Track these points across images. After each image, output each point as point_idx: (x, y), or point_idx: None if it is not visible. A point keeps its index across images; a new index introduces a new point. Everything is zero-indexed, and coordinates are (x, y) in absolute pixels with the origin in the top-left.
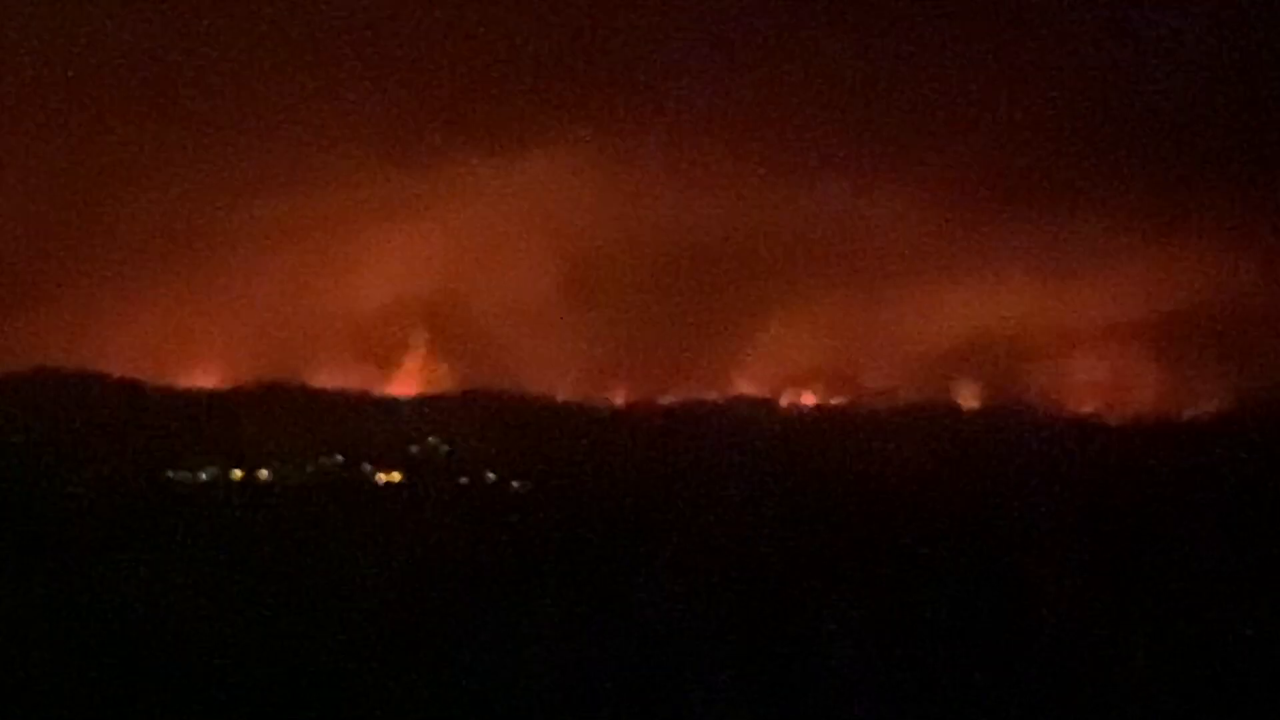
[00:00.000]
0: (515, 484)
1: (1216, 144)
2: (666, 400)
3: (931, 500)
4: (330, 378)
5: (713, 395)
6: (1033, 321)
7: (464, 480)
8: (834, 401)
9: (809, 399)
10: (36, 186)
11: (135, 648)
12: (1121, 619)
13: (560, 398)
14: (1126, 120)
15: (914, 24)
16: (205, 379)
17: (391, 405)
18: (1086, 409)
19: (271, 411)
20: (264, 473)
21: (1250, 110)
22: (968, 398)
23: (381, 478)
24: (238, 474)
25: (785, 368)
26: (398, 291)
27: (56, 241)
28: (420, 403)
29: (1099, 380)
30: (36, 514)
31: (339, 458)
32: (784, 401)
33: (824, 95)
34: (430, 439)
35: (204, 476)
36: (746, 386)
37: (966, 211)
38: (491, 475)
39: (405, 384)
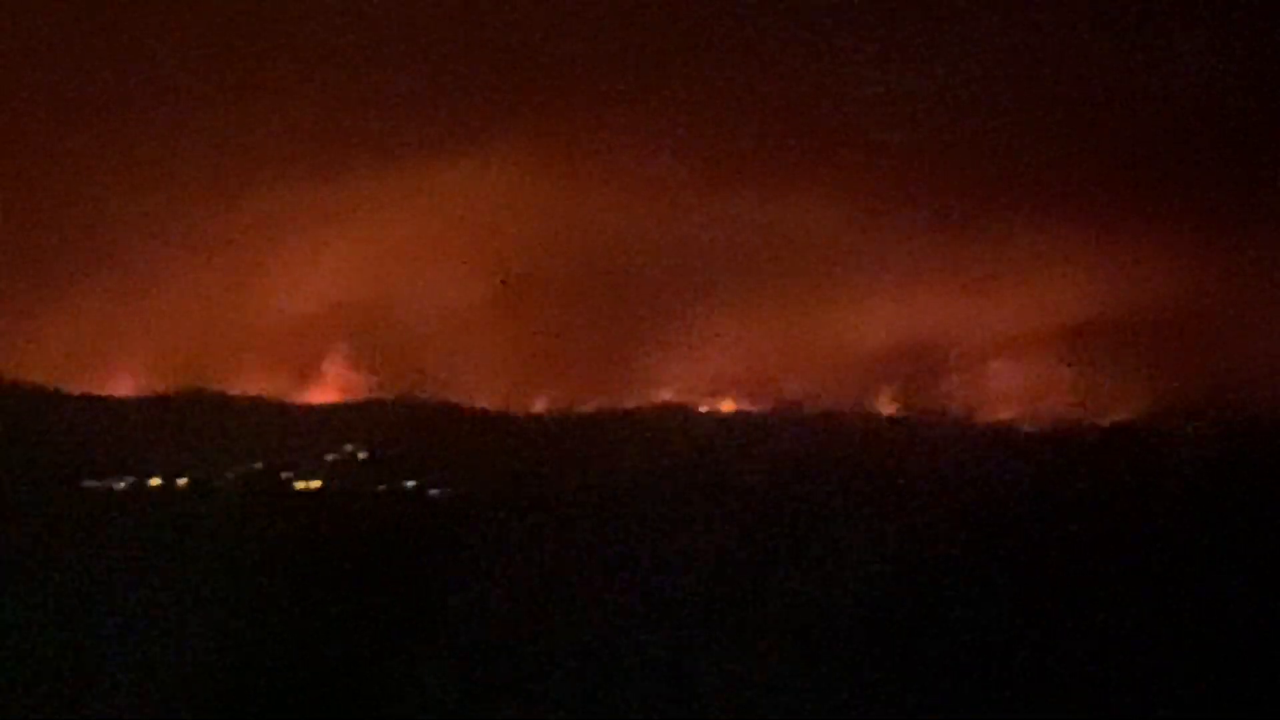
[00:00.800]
0: (434, 491)
1: (1133, 155)
2: (587, 407)
3: (849, 506)
4: (249, 385)
5: (633, 402)
6: (951, 329)
7: (382, 488)
8: (753, 408)
9: (728, 406)
10: None
11: (48, 658)
12: (1035, 625)
13: (480, 405)
14: (1045, 129)
15: (835, 33)
16: (122, 386)
17: (310, 413)
18: (1003, 416)
19: (189, 419)
20: (182, 481)
21: (1166, 121)
22: (886, 405)
23: (300, 485)
24: (155, 482)
25: (706, 375)
26: (317, 298)
27: None
28: (339, 410)
29: (1015, 388)
30: None
31: (257, 465)
32: (704, 408)
33: (745, 102)
34: (348, 446)
35: (121, 485)
36: (666, 394)
37: (887, 220)
38: (410, 483)
39: (324, 391)
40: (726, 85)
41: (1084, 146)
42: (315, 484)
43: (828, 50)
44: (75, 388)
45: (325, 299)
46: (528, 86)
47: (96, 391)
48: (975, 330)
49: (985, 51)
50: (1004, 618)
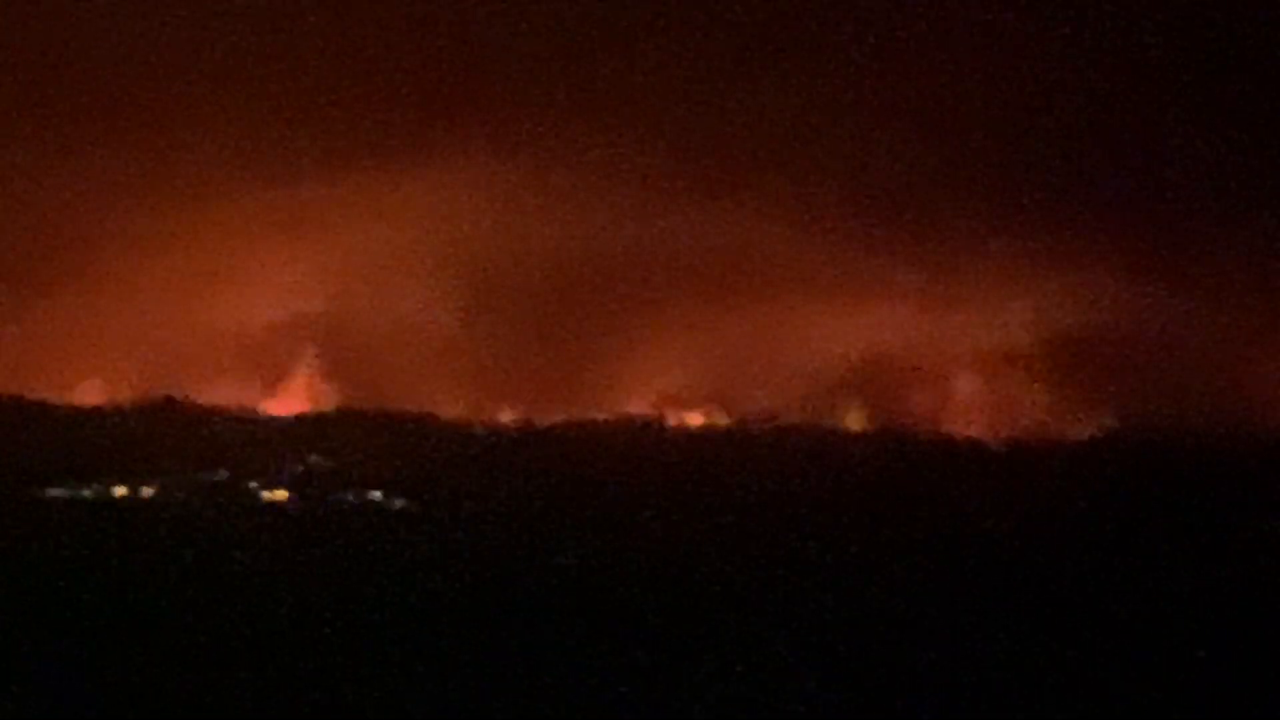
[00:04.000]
0: (399, 503)
1: (1100, 174)
2: (552, 419)
3: (816, 522)
4: (215, 394)
5: (599, 415)
6: (917, 345)
7: (349, 498)
8: (720, 422)
9: (695, 419)
10: None
11: (8, 667)
12: (1000, 642)
13: (445, 416)
14: (1013, 149)
15: (801, 49)
16: (88, 395)
17: (276, 423)
18: (970, 431)
19: (155, 428)
20: (147, 490)
21: (1134, 141)
22: (852, 420)
23: (266, 495)
24: (121, 490)
25: (672, 388)
26: (284, 308)
27: None
28: (305, 420)
29: (981, 404)
30: None
31: (223, 475)
32: (670, 422)
33: (714, 117)
34: (315, 457)
35: (86, 494)
36: (633, 406)
37: (854, 235)
38: (375, 494)
39: (290, 401)
40: (697, 99)
41: (1052, 166)
42: (281, 494)
43: (798, 66)
44: (41, 396)
45: (292, 308)
46: (498, 97)
47: (63, 400)
48: (943, 345)
49: (952, 71)
50: (971, 631)
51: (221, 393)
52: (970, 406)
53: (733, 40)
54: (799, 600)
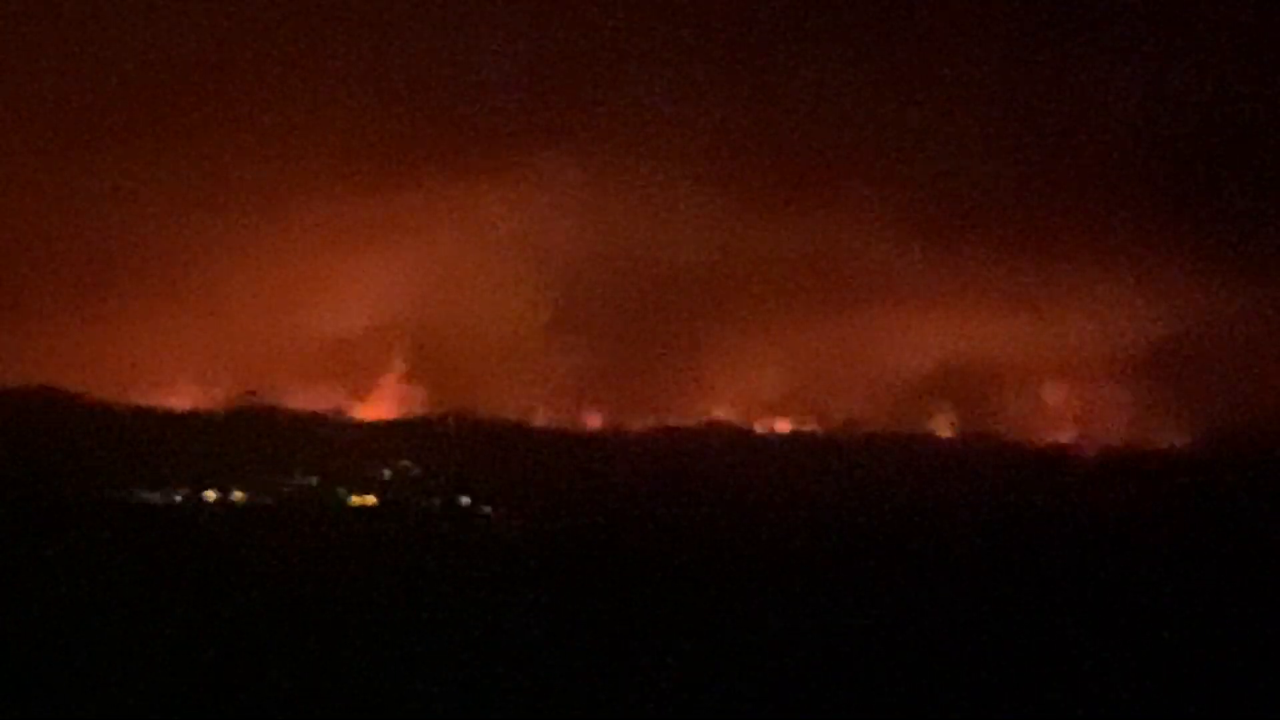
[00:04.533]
0: (487, 507)
1: (1191, 186)
2: (641, 425)
3: (905, 526)
4: (305, 400)
5: (688, 421)
6: (1007, 352)
7: (436, 503)
8: (808, 428)
9: (784, 425)
10: (12, 210)
11: (105, 667)
12: (1088, 645)
13: (535, 422)
14: (1103, 158)
15: (895, 56)
16: (181, 400)
17: (365, 428)
18: (1058, 438)
19: (246, 433)
20: (238, 494)
21: (1223, 155)
22: (942, 426)
23: (355, 500)
24: (211, 495)
25: (760, 394)
26: (374, 315)
27: (30, 263)
28: (394, 426)
29: (1071, 410)
30: (7, 532)
31: (313, 480)
32: (759, 428)
33: (802, 125)
34: (403, 462)
35: (178, 497)
36: (721, 412)
37: (943, 242)
38: (464, 499)
39: (379, 407)
40: (783, 109)
41: (1143, 173)
42: (370, 499)
43: (881, 74)
44: (133, 401)
45: (381, 315)
46: (584, 107)
47: (153, 405)
48: (1032, 352)
49: (1043, 80)
50: (1055, 636)
51: (312, 398)
52: (1060, 413)
53: (820, 50)
54: (891, 605)
